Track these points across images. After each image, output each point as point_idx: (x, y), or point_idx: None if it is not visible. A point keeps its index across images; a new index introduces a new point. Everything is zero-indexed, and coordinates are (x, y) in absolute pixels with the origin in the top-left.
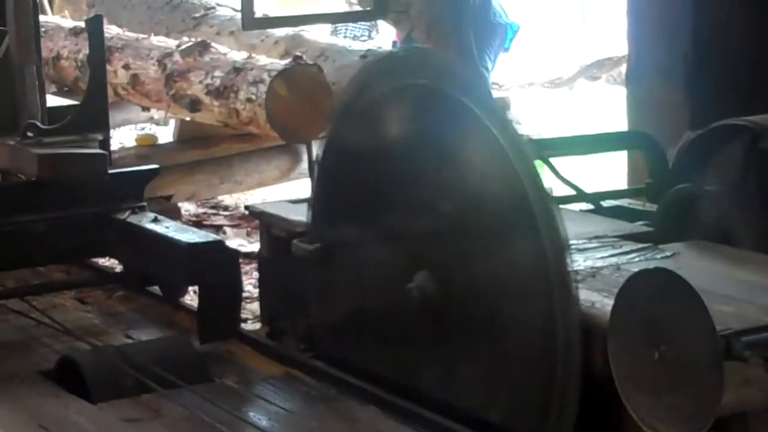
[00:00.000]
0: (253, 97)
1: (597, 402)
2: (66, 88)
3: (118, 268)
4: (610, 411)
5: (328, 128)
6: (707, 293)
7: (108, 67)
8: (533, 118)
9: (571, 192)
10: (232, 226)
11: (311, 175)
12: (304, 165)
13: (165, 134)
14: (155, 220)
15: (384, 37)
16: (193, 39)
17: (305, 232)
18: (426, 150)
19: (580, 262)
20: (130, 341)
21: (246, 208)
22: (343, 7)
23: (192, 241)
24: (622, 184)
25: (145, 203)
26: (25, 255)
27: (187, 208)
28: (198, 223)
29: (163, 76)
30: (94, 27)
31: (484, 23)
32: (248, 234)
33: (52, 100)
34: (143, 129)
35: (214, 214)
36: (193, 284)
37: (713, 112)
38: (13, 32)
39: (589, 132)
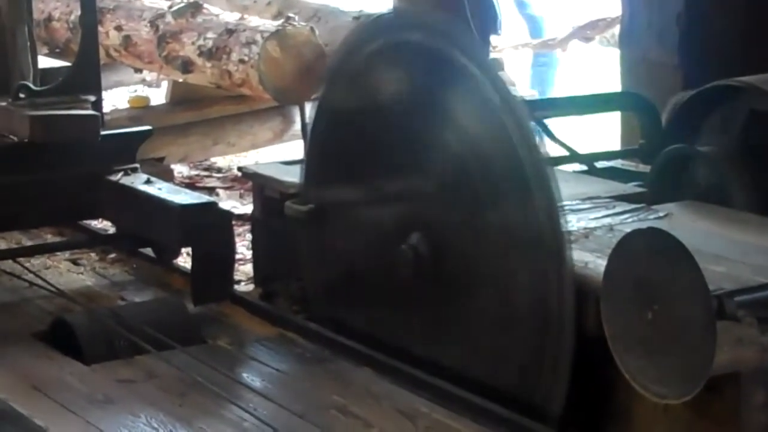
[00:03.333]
0: (246, 58)
1: (590, 362)
2: (57, 50)
3: (111, 229)
4: (602, 371)
5: (321, 89)
6: (700, 253)
7: (100, 29)
8: (527, 79)
9: (565, 153)
10: (225, 188)
11: (304, 136)
12: (297, 127)
13: (157, 96)
14: (148, 182)
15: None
16: (185, 0)
17: (298, 194)
18: (419, 111)
19: (573, 222)
20: (123, 303)
21: (239, 169)
22: None
23: (185, 202)
24: (616, 145)
25: (137, 165)
26: (17, 216)
27: (180, 170)
28: (191, 184)
29: (155, 38)
30: None
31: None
32: (241, 196)
33: (44, 62)
34: (135, 91)
35: (207, 176)
36: (186, 246)
37: (706, 73)
38: None
39: (583, 93)
